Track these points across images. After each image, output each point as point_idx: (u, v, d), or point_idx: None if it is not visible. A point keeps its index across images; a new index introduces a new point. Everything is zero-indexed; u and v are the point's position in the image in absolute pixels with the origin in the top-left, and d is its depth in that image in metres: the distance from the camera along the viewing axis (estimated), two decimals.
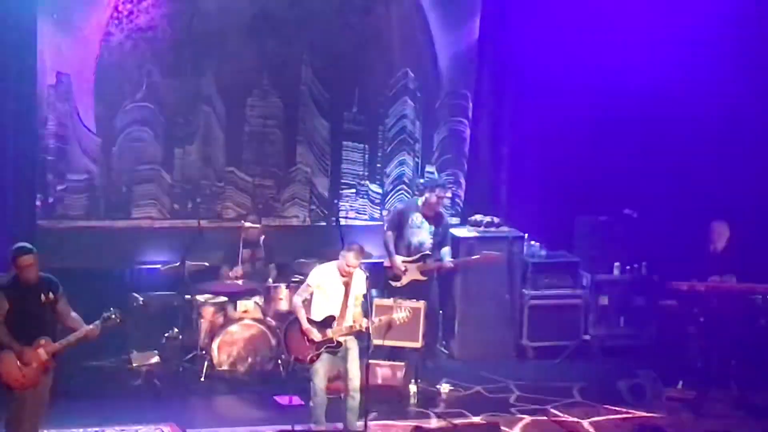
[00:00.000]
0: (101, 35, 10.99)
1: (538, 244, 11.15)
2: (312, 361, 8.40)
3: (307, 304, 8.53)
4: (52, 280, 7.69)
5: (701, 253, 9.88)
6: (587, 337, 10.97)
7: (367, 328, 8.26)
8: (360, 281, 8.50)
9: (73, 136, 11.12)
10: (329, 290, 8.45)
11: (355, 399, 8.35)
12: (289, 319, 8.79)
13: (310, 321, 8.45)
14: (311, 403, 8.48)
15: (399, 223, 10.28)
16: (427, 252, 10.16)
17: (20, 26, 10.48)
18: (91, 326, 7.69)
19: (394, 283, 10.04)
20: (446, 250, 10.25)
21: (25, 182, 10.81)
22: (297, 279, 10.22)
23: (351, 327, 8.36)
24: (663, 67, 10.99)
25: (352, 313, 8.42)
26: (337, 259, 8.60)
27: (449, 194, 10.61)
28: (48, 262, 7.82)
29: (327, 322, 8.42)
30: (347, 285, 8.42)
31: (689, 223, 10.48)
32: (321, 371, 8.41)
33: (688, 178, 10.89)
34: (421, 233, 10.21)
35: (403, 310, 8.71)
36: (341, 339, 8.37)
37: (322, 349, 8.40)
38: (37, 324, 7.57)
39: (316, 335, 8.37)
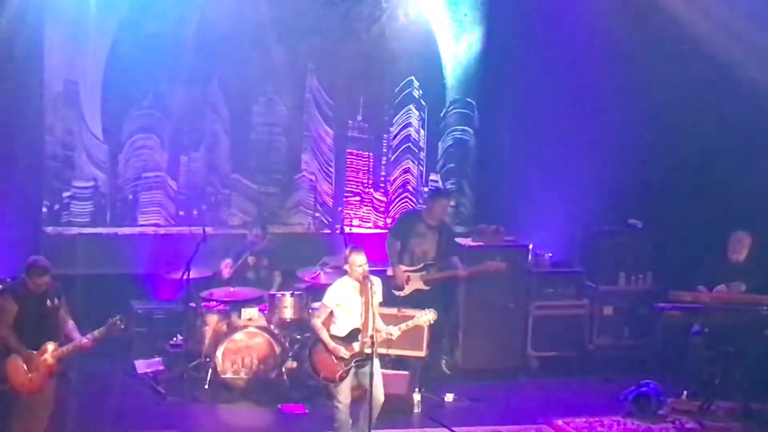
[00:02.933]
0: (108, 43, 11.03)
1: (542, 253, 11.15)
2: (342, 378, 8.25)
3: (327, 322, 8.38)
4: (56, 285, 7.77)
5: (718, 261, 9.83)
6: (591, 347, 10.95)
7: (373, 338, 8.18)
8: (377, 290, 8.37)
9: (79, 144, 11.17)
10: (348, 305, 8.30)
11: (374, 415, 8.24)
12: (308, 338, 8.71)
13: (334, 338, 8.32)
14: (336, 424, 8.38)
15: (403, 232, 10.27)
16: (431, 261, 10.14)
17: (28, 34, 10.53)
18: (88, 337, 7.70)
19: (397, 293, 10.00)
20: (455, 260, 10.23)
21: (31, 189, 10.86)
22: (301, 287, 10.22)
23: (375, 336, 8.13)
24: (669, 74, 10.97)
25: (373, 325, 8.25)
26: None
27: (453, 203, 10.60)
28: (54, 269, 7.84)
29: (352, 337, 8.28)
30: (365, 295, 8.26)
31: (695, 234, 10.47)
32: (346, 389, 8.29)
33: (694, 188, 10.87)
34: (425, 242, 10.19)
35: (428, 312, 8.56)
36: (368, 351, 8.19)
37: (351, 364, 8.28)
38: (44, 329, 7.65)
39: (344, 352, 8.24)
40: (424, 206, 10.37)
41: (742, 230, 9.87)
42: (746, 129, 10.45)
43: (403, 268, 10.09)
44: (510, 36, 11.70)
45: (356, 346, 8.26)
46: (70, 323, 7.81)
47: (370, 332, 8.21)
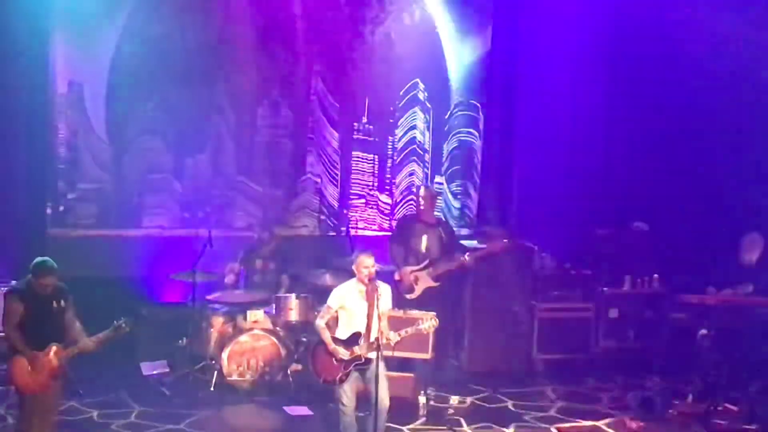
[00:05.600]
0: (114, 44, 11.03)
1: (548, 256, 11.13)
2: (341, 381, 8.23)
3: (332, 324, 8.38)
4: (63, 287, 7.77)
5: (730, 263, 9.81)
6: (597, 349, 10.93)
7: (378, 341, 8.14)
8: (385, 297, 8.34)
9: (84, 145, 11.16)
10: (352, 308, 8.29)
11: (382, 419, 8.24)
12: (313, 341, 8.68)
13: (335, 340, 8.30)
14: (341, 427, 8.35)
15: (403, 235, 10.25)
16: (436, 256, 10.09)
17: (34, 35, 10.53)
18: (93, 339, 7.71)
19: (408, 296, 9.96)
20: (459, 254, 10.21)
21: (36, 190, 10.86)
22: (306, 292, 10.21)
23: (377, 341, 8.06)
24: (677, 77, 10.96)
25: (379, 328, 8.15)
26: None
27: (430, 192, 10.46)
28: (58, 271, 7.82)
29: (353, 340, 8.26)
30: (370, 300, 8.22)
31: (701, 236, 10.46)
32: (349, 392, 8.27)
33: (700, 190, 10.87)
34: (426, 240, 10.16)
35: (429, 319, 8.50)
36: (370, 356, 8.19)
37: (351, 367, 8.25)
38: (49, 330, 7.66)
39: (344, 354, 8.23)
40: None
41: (755, 232, 9.82)
42: (752, 130, 10.45)
43: (409, 269, 10.05)
44: (515, 38, 11.69)
45: (357, 349, 8.24)
46: (77, 326, 7.81)
47: (372, 337, 8.17)
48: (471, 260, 10.10)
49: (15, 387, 7.70)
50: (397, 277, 10.11)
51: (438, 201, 11.00)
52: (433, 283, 10.02)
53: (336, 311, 8.38)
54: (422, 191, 10.36)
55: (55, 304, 7.68)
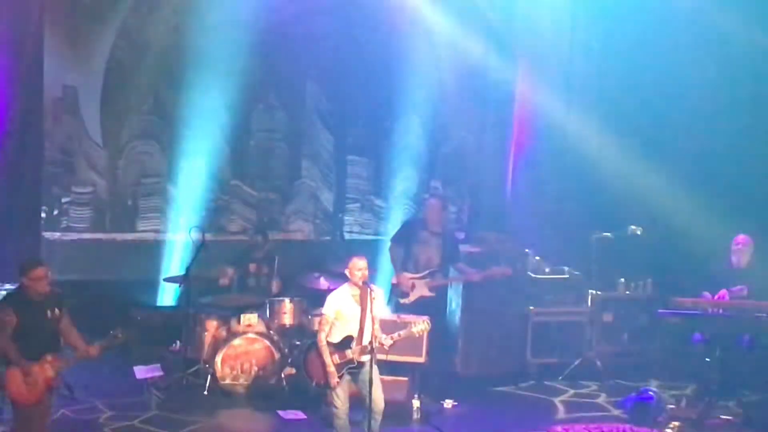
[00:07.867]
0: (108, 48, 11.05)
1: (542, 259, 11.13)
2: (335, 385, 8.24)
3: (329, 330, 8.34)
4: (58, 294, 7.70)
5: (721, 266, 9.82)
6: (591, 353, 10.93)
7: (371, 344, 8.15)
8: (379, 300, 8.33)
9: (79, 149, 11.19)
10: (347, 312, 8.25)
11: (377, 421, 8.22)
12: (306, 344, 8.66)
13: (328, 344, 8.25)
14: (334, 430, 8.35)
15: (405, 239, 10.25)
16: (435, 268, 10.11)
17: (27, 39, 10.53)
18: (95, 345, 7.71)
19: (402, 300, 9.97)
20: (462, 265, 10.21)
21: (30, 194, 10.87)
22: (300, 296, 10.21)
23: (371, 344, 8.09)
24: (669, 81, 10.99)
25: (372, 331, 8.17)
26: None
27: (441, 203, 10.45)
28: (53, 275, 7.82)
29: (345, 343, 8.22)
30: (363, 303, 8.20)
31: (695, 240, 10.47)
32: (341, 394, 8.25)
33: (694, 193, 10.89)
34: (429, 249, 10.16)
35: (421, 322, 8.51)
36: (363, 359, 8.17)
37: (344, 370, 8.23)
38: (44, 339, 7.59)
39: (332, 367, 8.19)
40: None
41: (744, 234, 9.85)
42: (748, 133, 10.47)
43: (408, 275, 10.05)
44: (509, 41, 11.70)
45: (349, 353, 8.23)
46: (75, 333, 7.76)
47: (365, 340, 8.16)
48: (479, 277, 10.12)
49: (9, 399, 7.61)
50: (394, 280, 10.11)
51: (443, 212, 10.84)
52: (428, 293, 10.03)
53: (333, 320, 8.34)
54: (431, 200, 10.31)
55: (49, 312, 7.59)
